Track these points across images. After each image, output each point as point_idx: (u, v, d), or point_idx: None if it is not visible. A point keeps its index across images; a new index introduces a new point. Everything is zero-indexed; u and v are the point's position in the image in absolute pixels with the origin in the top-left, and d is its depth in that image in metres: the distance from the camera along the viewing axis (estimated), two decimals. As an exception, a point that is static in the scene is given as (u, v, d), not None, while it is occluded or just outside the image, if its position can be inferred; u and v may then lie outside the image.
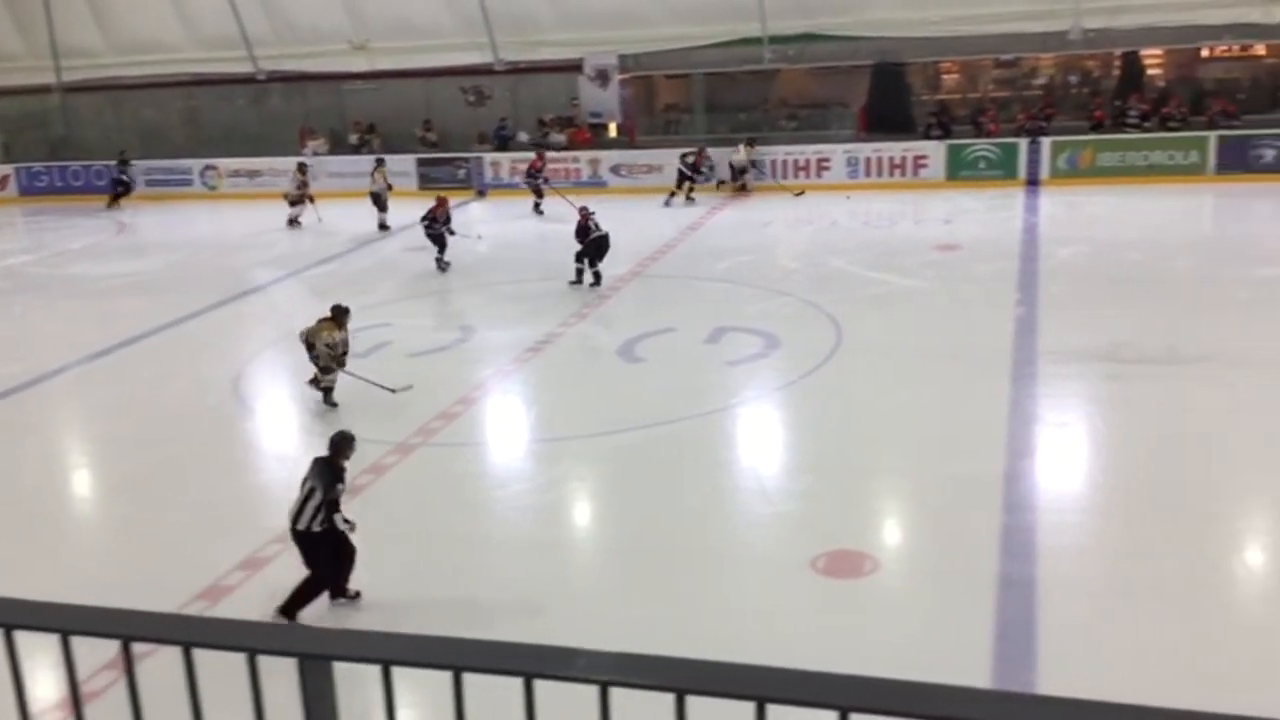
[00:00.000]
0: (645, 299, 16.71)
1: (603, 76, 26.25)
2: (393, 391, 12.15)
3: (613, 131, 27.32)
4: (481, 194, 25.86)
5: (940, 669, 6.94)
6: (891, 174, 23.87)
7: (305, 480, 8.06)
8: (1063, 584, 7.94)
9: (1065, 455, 10.38)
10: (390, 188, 23.14)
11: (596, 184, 25.41)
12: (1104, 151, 22.95)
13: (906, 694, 1.74)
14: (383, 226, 22.64)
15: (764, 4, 24.33)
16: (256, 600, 8.19)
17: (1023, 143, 23.28)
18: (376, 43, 27.57)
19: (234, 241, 23.11)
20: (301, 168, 24.12)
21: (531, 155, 24.16)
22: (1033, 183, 22.96)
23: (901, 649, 7.29)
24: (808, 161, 24.36)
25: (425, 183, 26.23)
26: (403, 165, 26.31)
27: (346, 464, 8.22)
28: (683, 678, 1.79)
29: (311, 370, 12.32)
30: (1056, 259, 17.18)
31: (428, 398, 12.35)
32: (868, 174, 23.78)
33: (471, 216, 24.22)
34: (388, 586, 8.51)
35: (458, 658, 1.90)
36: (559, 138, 26.61)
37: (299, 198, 23.50)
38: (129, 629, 2.07)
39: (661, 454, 10.82)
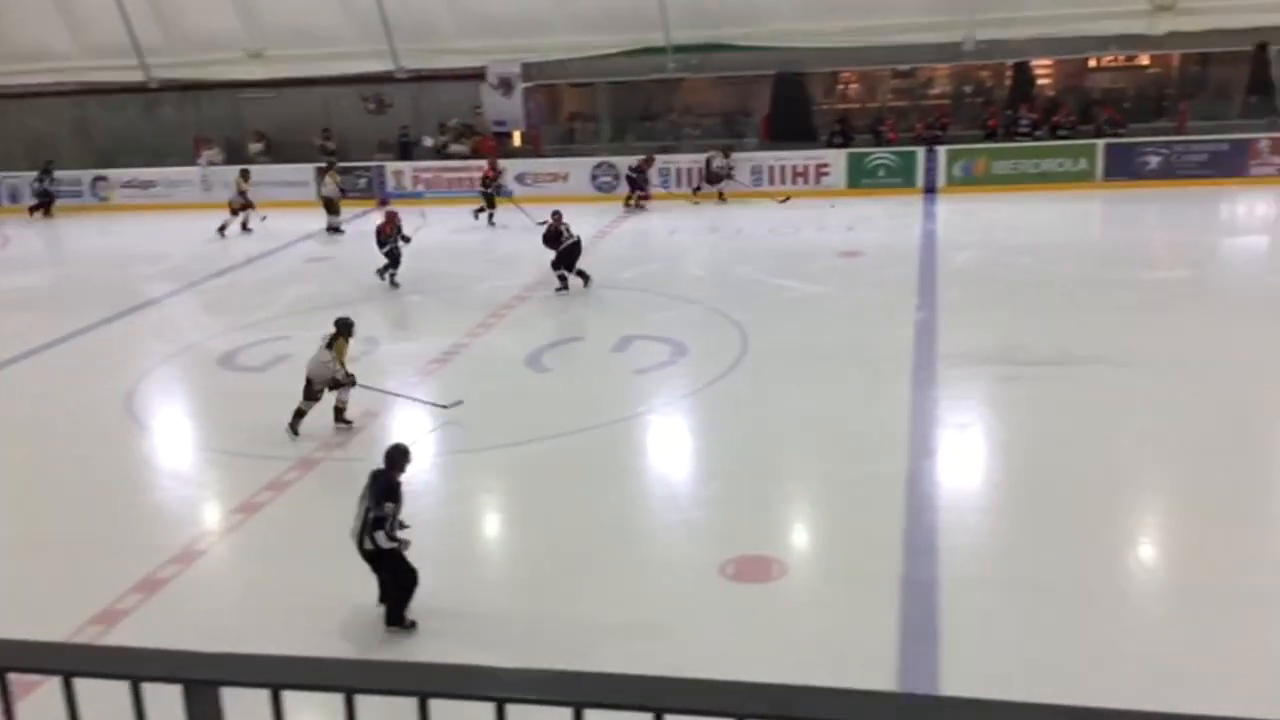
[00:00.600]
0: (552, 308, 16.66)
1: (506, 85, 26.13)
2: (444, 408, 11.80)
3: (517, 140, 27.20)
4: (385, 201, 25.50)
5: (848, 670, 7.07)
6: (794, 182, 24.19)
7: (363, 496, 7.75)
8: (964, 582, 8.11)
9: (964, 455, 10.62)
10: (344, 192, 23.25)
11: (501, 193, 25.25)
12: (998, 159, 23.59)
13: (808, 699, 1.75)
14: (335, 230, 22.67)
15: (667, 14, 24.49)
16: (154, 624, 7.94)
17: (920, 151, 23.81)
18: (274, 50, 27.03)
19: (127, 254, 22.43)
20: (244, 174, 23.81)
21: (436, 162, 23.96)
22: (930, 190, 23.49)
23: (810, 651, 7.37)
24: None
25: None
26: (301, 174, 25.88)
27: (402, 478, 7.94)
28: (578, 691, 1.77)
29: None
30: (954, 264, 17.59)
31: (330, 412, 12.12)
32: (771, 182, 24.05)
33: (373, 225, 23.88)
34: (291, 604, 8.31)
35: (349, 679, 1.85)
36: (458, 147, 26.41)
37: (243, 205, 23.23)
38: (2, 659, 1.98)
39: (570, 463, 10.79)
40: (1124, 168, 22.87)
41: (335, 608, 8.30)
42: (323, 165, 24.57)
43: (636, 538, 9.27)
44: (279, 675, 1.92)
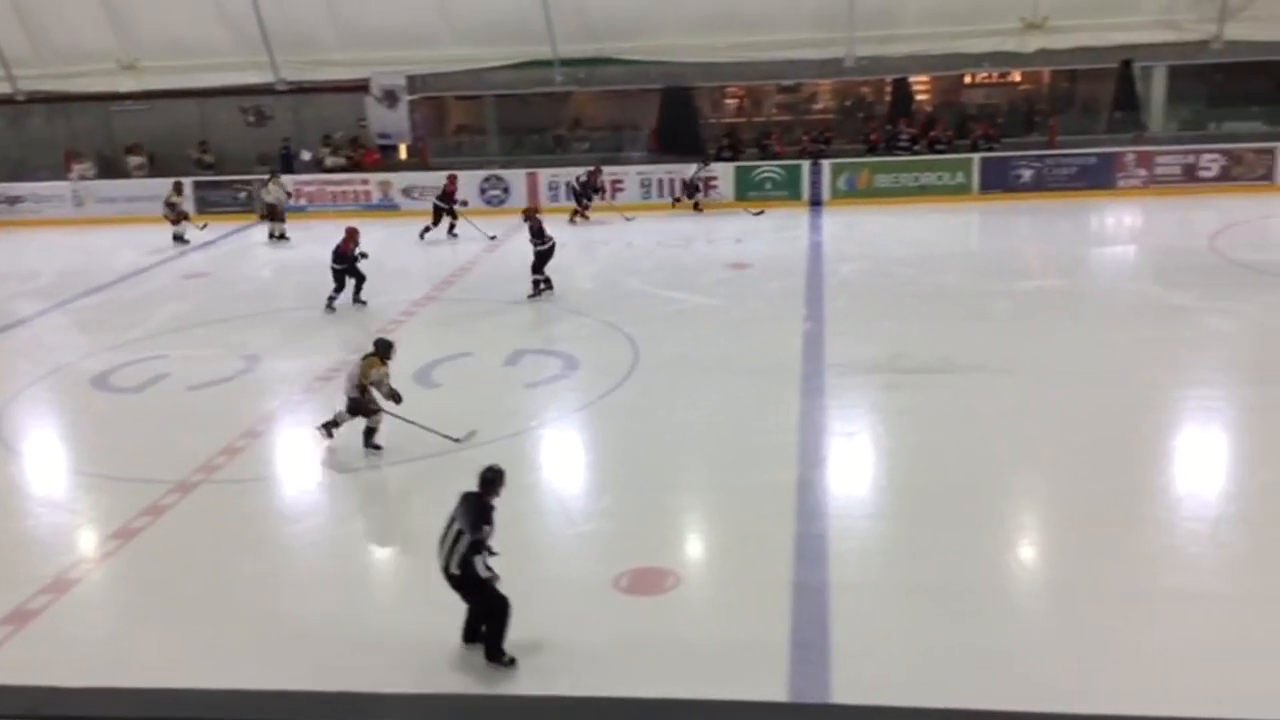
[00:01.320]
0: (441, 323, 16.45)
1: (391, 97, 25.79)
2: (457, 440, 11.18)
3: (403, 153, 26.86)
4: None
5: (741, 679, 7.10)
6: (683, 194, 24.36)
7: (452, 519, 7.33)
8: (853, 588, 8.23)
9: (852, 463, 10.79)
10: (290, 195, 23.14)
11: (388, 207, 24.94)
12: (879, 173, 24.15)
13: (696, 714, 1.73)
14: (281, 236, 22.52)
15: (553, 27, 24.49)
16: (24, 657, 7.56)
17: (805, 165, 24.25)
18: (147, 61, 26.21)
19: (-9, 272, 21.45)
20: (178, 186, 23.25)
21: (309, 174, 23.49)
22: (816, 203, 23.92)
23: (705, 662, 7.39)
24: (602, 184, 24.57)
25: (204, 206, 25.11)
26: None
27: (495, 503, 7.47)
28: (462, 715, 1.72)
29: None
30: (839, 275, 17.91)
31: (209, 432, 11.76)
32: (660, 195, 24.21)
33: (253, 239, 23.38)
34: (173, 635, 8.01)
35: (223, 710, 1.76)
36: (336, 159, 25.93)
37: (177, 216, 22.66)
38: None
39: (460, 479, 10.57)
40: (998, 181, 23.65)
41: (215, 637, 8.02)
42: (265, 175, 24.09)
43: (529, 554, 9.16)
44: (150, 709, 1.82)
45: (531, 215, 17.35)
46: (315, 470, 11.24)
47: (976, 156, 24.01)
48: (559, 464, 11.27)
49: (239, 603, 8.55)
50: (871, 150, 25.03)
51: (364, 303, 17.07)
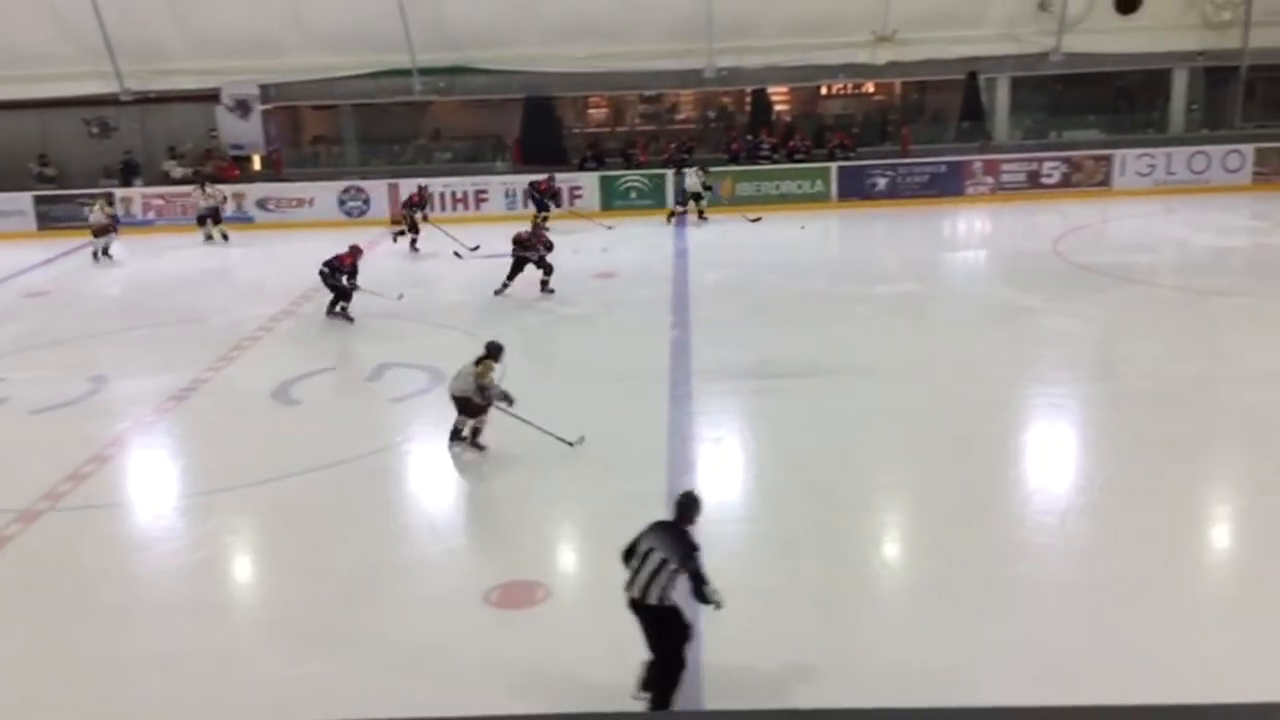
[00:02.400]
0: (300, 338, 16.01)
1: (243, 107, 25.02)
2: (570, 444, 10.96)
3: (256, 164, 26.07)
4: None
5: (615, 689, 7.05)
6: (549, 204, 24.29)
7: (646, 549, 6.80)
8: (722, 593, 8.26)
9: (721, 468, 10.88)
10: (118, 219, 22.39)
11: (242, 219, 24.14)
12: (742, 182, 24.55)
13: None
14: (104, 253, 21.67)
15: (411, 35, 24.15)
16: None
17: (669, 174, 24.46)
18: (-20, 70, 24.89)
19: None
20: (109, 198, 22.41)
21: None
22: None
23: (577, 673, 7.33)
24: (465, 194, 24.38)
25: (45, 222, 23.97)
26: (17, 204, 23.89)
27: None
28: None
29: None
30: (705, 283, 18.10)
31: (53, 457, 11.17)
32: (525, 206, 24.05)
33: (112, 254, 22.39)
34: (19, 673, 7.55)
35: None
36: (182, 171, 25.03)
37: (104, 228, 21.61)
38: None
39: (324, 499, 10.34)
40: (855, 189, 24.32)
41: (70, 676, 7.60)
42: (97, 193, 23.27)
43: (396, 572, 8.97)
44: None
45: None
46: (169, 493, 10.77)
47: (834, 165, 24.64)
48: (426, 480, 11.05)
49: (86, 635, 8.11)
50: (733, 159, 25.42)
51: (350, 319, 16.35)
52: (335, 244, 21.13)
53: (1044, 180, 24.51)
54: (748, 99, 27.04)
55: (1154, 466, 10.29)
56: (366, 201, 24.31)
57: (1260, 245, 20.28)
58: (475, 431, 11.25)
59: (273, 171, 25.83)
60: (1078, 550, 8.93)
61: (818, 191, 24.40)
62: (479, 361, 11.00)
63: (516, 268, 17.20)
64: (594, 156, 25.35)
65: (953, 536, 9.11)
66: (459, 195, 24.36)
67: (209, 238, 22.95)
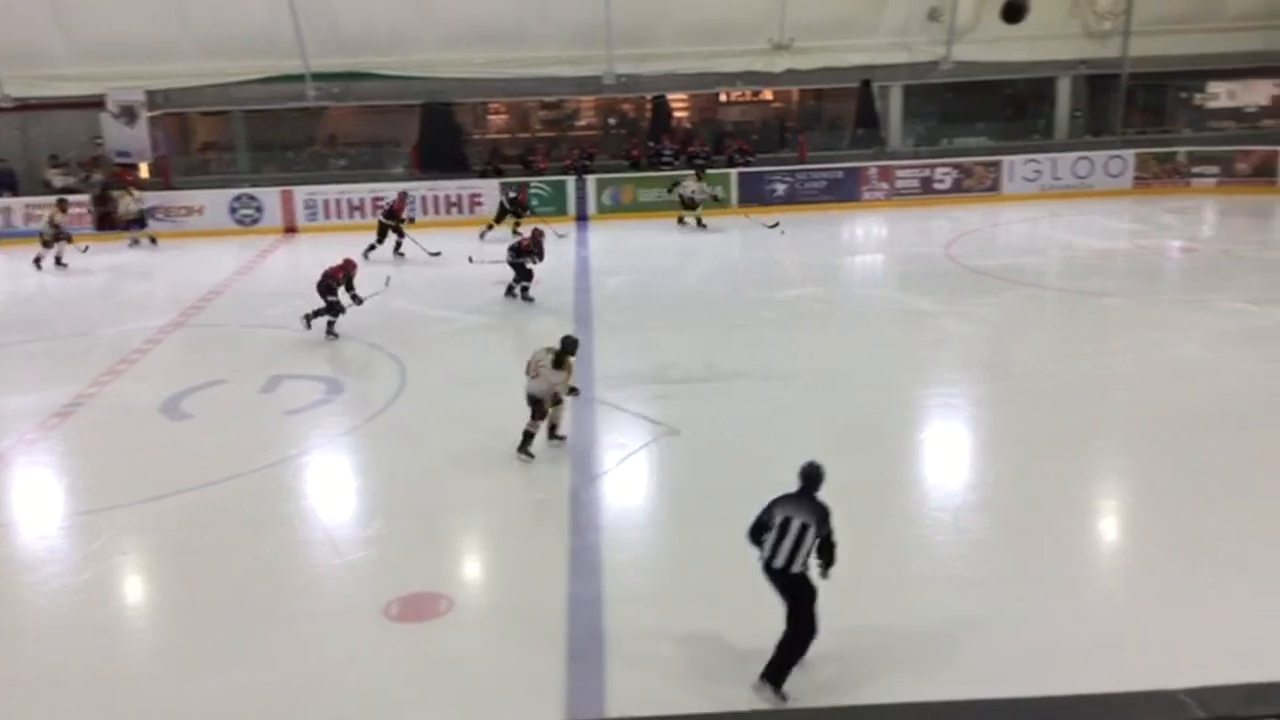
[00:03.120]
0: (191, 350, 15.59)
1: (129, 114, 24.23)
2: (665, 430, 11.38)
3: (144, 172, 25.29)
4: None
5: (518, 698, 7.00)
6: (449, 212, 24.10)
7: (783, 519, 7.08)
8: (628, 598, 8.27)
9: (624, 474, 10.86)
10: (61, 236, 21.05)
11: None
12: (643, 188, 24.62)
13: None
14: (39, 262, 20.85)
15: (304, 40, 23.70)
16: None
17: (570, 181, 24.43)
18: None
19: None
20: (62, 204, 21.31)
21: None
22: (582, 218, 24.15)
23: (480, 685, 7.25)
24: (362, 201, 23.99)
25: (-83, 233, 22.91)
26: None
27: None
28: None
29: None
30: (607, 289, 18.11)
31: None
32: (425, 212, 23.78)
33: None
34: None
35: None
36: (65, 180, 24.18)
37: (54, 237, 20.77)
38: None
39: (218, 515, 10.06)
40: (755, 194, 24.59)
41: (-63, 704, 7.25)
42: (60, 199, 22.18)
43: (294, 588, 8.77)
44: None
45: (539, 235, 17.47)
46: (53, 513, 10.36)
47: (734, 171, 24.87)
48: (324, 492, 10.81)
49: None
50: (634, 166, 25.50)
51: (335, 335, 15.64)
52: (226, 253, 20.79)
53: (936, 186, 25.12)
54: (648, 106, 27.15)
55: (1043, 463, 10.60)
56: (259, 209, 23.77)
57: (1140, 248, 21.07)
58: (553, 426, 11.31)
59: (161, 180, 25.08)
60: (969, 545, 9.13)
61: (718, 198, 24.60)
62: (558, 361, 10.95)
63: (522, 272, 17.22)
64: (493, 163, 25.22)
65: (850, 535, 9.21)
66: (355, 203, 23.97)
67: (135, 242, 22.43)
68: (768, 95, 28.09)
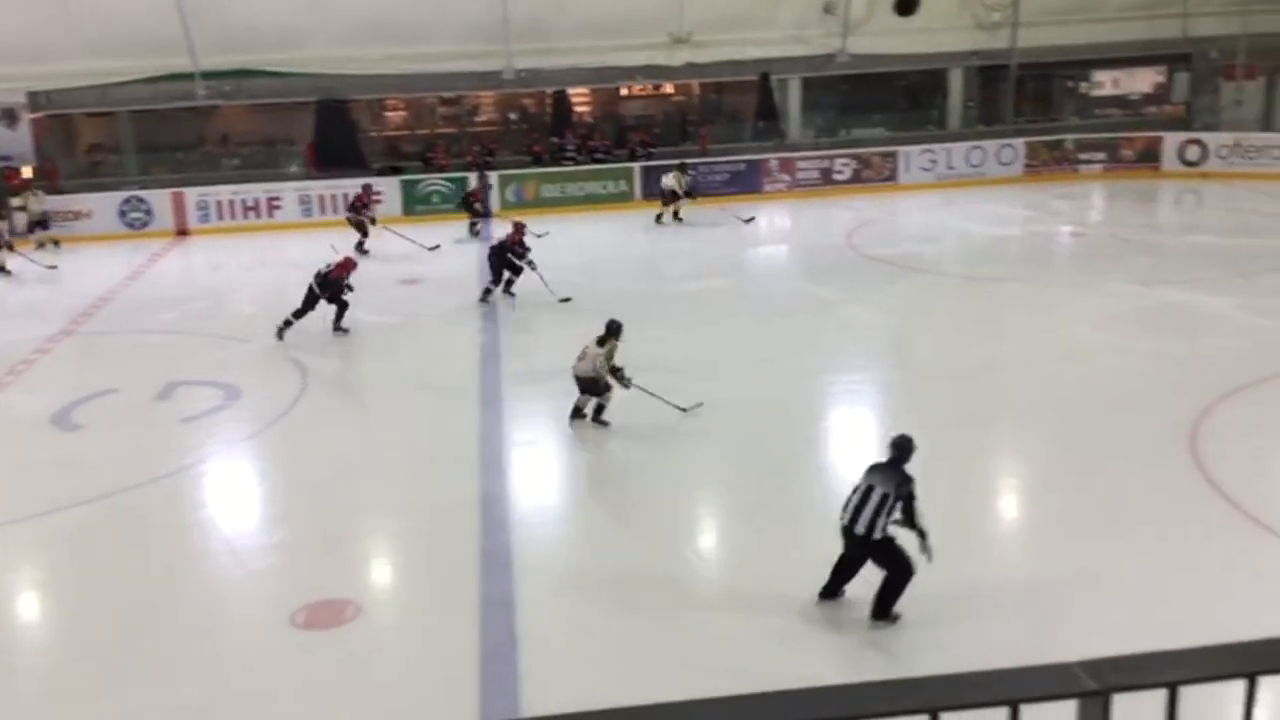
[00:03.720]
0: (81, 359, 15.08)
1: (10, 116, 23.32)
2: (684, 410, 11.46)
3: (28, 175, 24.32)
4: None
5: (430, 702, 6.90)
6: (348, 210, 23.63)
7: (866, 486, 7.50)
8: (540, 597, 8.22)
9: (533, 472, 10.81)
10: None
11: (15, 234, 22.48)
12: (546, 184, 24.51)
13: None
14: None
15: (192, 37, 23.03)
16: None
17: (472, 177, 24.17)
18: None
19: None
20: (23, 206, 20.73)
21: None
22: (486, 214, 23.88)
23: (391, 690, 7.13)
24: (257, 201, 23.45)
25: None
26: None
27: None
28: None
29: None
30: (513, 285, 17.91)
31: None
32: (322, 212, 23.34)
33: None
34: None
35: None
36: None
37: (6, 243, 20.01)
38: None
39: (113, 528, 9.73)
40: (657, 189, 24.55)
41: None
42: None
43: (195, 599, 8.52)
44: None
45: (520, 231, 17.13)
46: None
47: (636, 165, 24.89)
48: (224, 500, 10.53)
49: None
50: (537, 161, 25.35)
51: (345, 330, 15.34)
52: (116, 258, 20.12)
53: (836, 177, 25.46)
54: (549, 100, 27.01)
55: (945, 445, 10.79)
56: (149, 212, 23.07)
57: (1032, 234, 21.65)
58: (599, 409, 11.31)
59: (47, 184, 24.15)
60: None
61: (621, 192, 24.61)
62: (603, 341, 11.14)
63: (514, 269, 17.03)
64: (391, 164, 24.86)
65: (760, 521, 9.32)
66: (250, 203, 23.41)
67: (40, 245, 21.69)
68: (669, 89, 28.17)
